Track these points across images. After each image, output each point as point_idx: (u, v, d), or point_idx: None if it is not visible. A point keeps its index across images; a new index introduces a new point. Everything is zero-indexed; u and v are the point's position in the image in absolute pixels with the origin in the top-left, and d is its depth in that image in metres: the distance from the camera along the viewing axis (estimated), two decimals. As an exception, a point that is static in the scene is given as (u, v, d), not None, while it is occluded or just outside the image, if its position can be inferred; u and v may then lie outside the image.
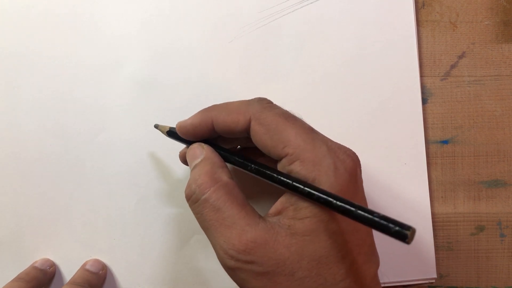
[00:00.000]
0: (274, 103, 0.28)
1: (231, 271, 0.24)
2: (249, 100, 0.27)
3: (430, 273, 0.35)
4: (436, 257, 0.35)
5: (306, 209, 0.23)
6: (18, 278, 0.31)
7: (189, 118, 0.28)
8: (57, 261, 0.35)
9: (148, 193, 0.35)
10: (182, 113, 0.35)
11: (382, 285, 0.35)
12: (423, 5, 0.37)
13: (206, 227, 0.25)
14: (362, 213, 0.21)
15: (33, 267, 0.33)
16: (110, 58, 0.36)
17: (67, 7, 0.36)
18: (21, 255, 0.35)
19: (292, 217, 0.24)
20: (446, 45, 0.37)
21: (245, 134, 0.26)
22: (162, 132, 0.32)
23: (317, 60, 0.36)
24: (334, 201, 0.22)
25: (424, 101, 0.36)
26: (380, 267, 0.35)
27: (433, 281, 0.35)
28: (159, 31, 0.36)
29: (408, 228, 0.19)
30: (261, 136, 0.25)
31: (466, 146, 0.36)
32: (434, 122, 0.36)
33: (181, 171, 0.35)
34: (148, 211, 0.35)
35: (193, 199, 0.26)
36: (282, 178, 0.24)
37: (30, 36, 0.36)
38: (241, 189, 0.27)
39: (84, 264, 0.34)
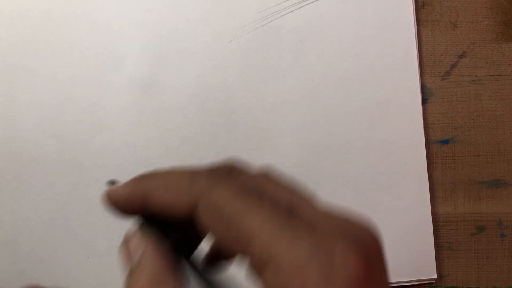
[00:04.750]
0: (240, 166, 0.19)
1: None
2: (194, 172, 0.18)
3: (430, 273, 0.35)
4: (436, 257, 0.35)
5: None
6: None
7: (119, 186, 0.20)
8: (54, 263, 0.35)
9: (147, 194, 0.35)
10: (181, 113, 0.35)
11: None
12: (423, 5, 0.37)
13: None
14: None
15: None
16: (109, 58, 0.35)
17: (67, 7, 0.36)
18: (18, 256, 0.35)
19: None
20: (446, 45, 0.37)
21: (189, 222, 0.18)
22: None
23: (317, 60, 0.36)
24: None
25: (424, 101, 0.36)
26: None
27: (433, 281, 0.35)
28: (158, 31, 0.36)
29: None
30: (213, 228, 0.17)
31: (466, 146, 0.36)
32: (434, 122, 0.36)
33: (181, 171, 0.35)
34: (148, 212, 0.35)
35: None
36: None
37: (29, 36, 0.35)
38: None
39: None
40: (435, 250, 0.35)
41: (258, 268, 0.16)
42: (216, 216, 0.17)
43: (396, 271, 0.35)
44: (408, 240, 0.35)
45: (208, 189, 0.17)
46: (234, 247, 0.16)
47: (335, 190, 0.35)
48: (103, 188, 0.37)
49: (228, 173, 0.18)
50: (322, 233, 0.15)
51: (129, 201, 0.19)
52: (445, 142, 0.36)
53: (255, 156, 0.35)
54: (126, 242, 0.19)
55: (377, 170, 0.35)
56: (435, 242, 0.35)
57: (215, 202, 0.17)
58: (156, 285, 0.17)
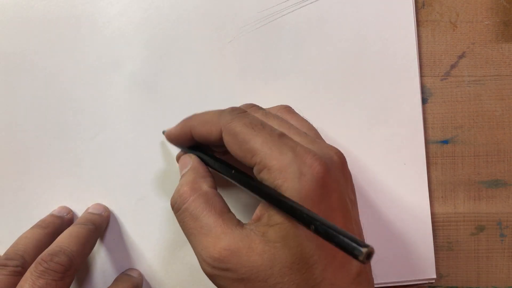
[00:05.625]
0: (249, 110, 0.28)
1: (210, 277, 0.26)
2: (221, 110, 0.28)
3: (430, 273, 0.35)
4: (436, 257, 0.35)
5: (276, 215, 0.24)
6: (35, 226, 0.32)
7: (173, 127, 0.30)
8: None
9: (147, 193, 0.35)
10: (181, 113, 0.35)
11: (382, 286, 0.35)
12: (423, 5, 0.37)
13: (187, 234, 0.27)
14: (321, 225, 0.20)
15: (50, 215, 0.34)
16: (109, 58, 0.36)
17: (67, 7, 0.36)
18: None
19: (266, 223, 0.24)
20: (446, 45, 0.37)
21: (221, 144, 0.27)
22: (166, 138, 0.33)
23: (317, 60, 0.36)
24: (299, 210, 0.22)
25: (424, 101, 0.36)
26: (380, 267, 0.35)
27: (433, 281, 0.35)
28: (158, 31, 0.36)
29: (364, 246, 0.18)
30: (231, 147, 0.26)
31: (466, 146, 0.36)
32: (434, 122, 0.36)
33: (181, 171, 0.35)
34: (148, 211, 0.35)
35: (175, 208, 0.28)
36: (251, 184, 0.25)
37: (29, 36, 0.36)
38: (230, 195, 0.30)
39: (87, 209, 0.35)
40: (435, 250, 0.35)
41: (258, 172, 0.25)
42: (233, 139, 0.26)
43: (396, 271, 0.35)
44: (407, 240, 0.35)
45: (229, 121, 0.26)
46: (244, 159, 0.25)
47: (334, 190, 0.35)
48: (103, 188, 0.38)
49: (243, 111, 0.27)
50: (300, 150, 0.24)
51: (180, 135, 0.30)
52: (445, 142, 0.36)
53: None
54: (180, 158, 0.31)
55: (377, 170, 0.35)
56: (434, 242, 0.35)
57: (233, 130, 0.26)
58: (199, 179, 0.28)
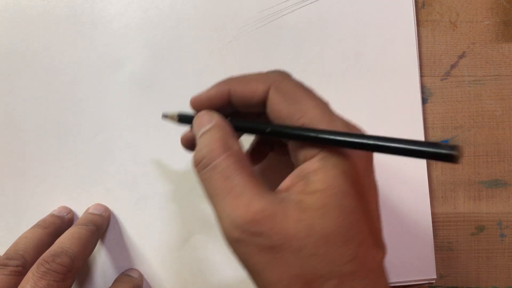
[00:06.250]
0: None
1: (234, 243, 0.23)
2: (268, 71, 0.26)
3: (430, 273, 0.35)
4: (436, 257, 0.35)
5: (317, 182, 0.22)
6: (36, 225, 0.32)
7: (204, 91, 0.27)
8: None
9: (147, 193, 0.35)
10: (181, 113, 0.35)
11: (382, 285, 0.35)
12: (423, 5, 0.37)
13: (213, 194, 0.24)
14: (400, 145, 0.21)
15: (51, 215, 0.34)
16: (109, 58, 0.36)
17: (67, 7, 0.36)
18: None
19: (301, 191, 0.23)
20: (446, 45, 0.37)
21: (261, 106, 0.25)
22: (173, 119, 0.29)
23: (317, 60, 0.36)
24: (367, 141, 0.22)
25: (424, 101, 0.36)
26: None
27: (433, 281, 0.35)
28: (158, 31, 0.36)
29: (453, 148, 0.18)
30: (278, 105, 0.24)
31: (466, 146, 0.36)
32: (434, 122, 0.36)
33: (181, 171, 0.35)
34: (148, 211, 0.35)
35: (203, 164, 0.24)
36: (303, 133, 0.23)
37: (29, 36, 0.36)
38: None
39: (87, 209, 0.35)
40: (435, 250, 0.35)
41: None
42: (283, 97, 0.24)
43: (396, 271, 0.35)
44: (408, 240, 0.35)
45: (281, 80, 0.25)
46: (289, 117, 0.24)
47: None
48: (104, 188, 0.37)
49: (290, 74, 0.26)
50: (348, 122, 0.25)
51: (215, 98, 0.27)
52: (445, 142, 0.36)
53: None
54: (198, 116, 0.27)
55: (377, 170, 0.35)
56: (435, 242, 0.35)
57: (284, 87, 0.25)
58: (229, 137, 0.25)
